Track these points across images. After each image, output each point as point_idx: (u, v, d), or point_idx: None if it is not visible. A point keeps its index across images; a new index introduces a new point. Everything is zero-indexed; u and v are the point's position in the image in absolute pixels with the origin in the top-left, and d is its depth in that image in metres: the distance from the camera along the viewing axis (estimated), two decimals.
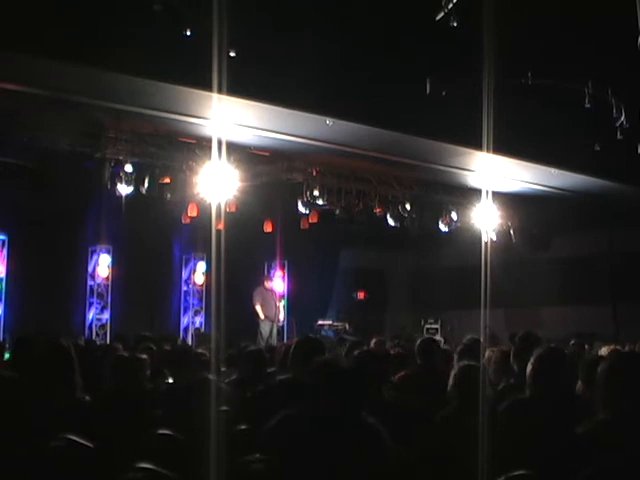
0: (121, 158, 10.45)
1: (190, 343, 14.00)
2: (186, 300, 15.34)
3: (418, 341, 5.87)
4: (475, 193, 13.28)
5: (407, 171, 12.22)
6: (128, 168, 10.51)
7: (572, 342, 8.10)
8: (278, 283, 15.98)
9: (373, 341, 7.60)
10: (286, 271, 16.50)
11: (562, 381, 3.82)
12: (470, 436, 3.43)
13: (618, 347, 6.45)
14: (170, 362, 5.85)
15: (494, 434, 3.43)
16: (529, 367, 3.85)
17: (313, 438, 3.27)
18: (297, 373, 4.49)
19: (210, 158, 10.40)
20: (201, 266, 15.36)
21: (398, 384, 5.29)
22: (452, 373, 4.25)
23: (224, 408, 3.83)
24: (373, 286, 18.12)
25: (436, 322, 15.99)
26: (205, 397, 3.89)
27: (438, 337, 14.81)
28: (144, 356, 5.03)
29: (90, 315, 13.77)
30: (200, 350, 6.89)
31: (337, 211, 12.93)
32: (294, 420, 3.39)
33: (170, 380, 5.71)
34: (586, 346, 8.32)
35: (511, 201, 13.80)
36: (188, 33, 7.27)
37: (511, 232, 14.66)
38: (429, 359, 5.57)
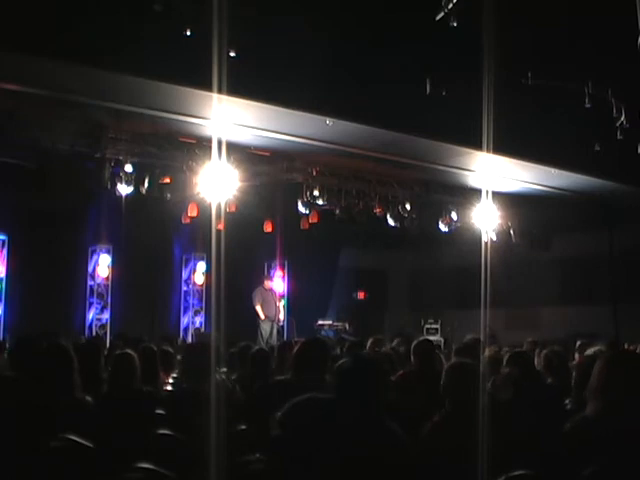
0: (121, 158, 10.44)
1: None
2: (186, 300, 15.34)
3: (414, 342, 5.88)
4: (475, 193, 13.28)
5: (407, 171, 12.22)
6: (128, 168, 10.51)
7: (579, 343, 8.01)
8: (278, 283, 15.98)
9: (370, 340, 7.59)
10: (286, 271, 16.50)
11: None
12: (465, 433, 3.44)
13: (600, 347, 6.41)
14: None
15: (487, 433, 3.44)
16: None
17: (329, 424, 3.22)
18: (301, 374, 4.49)
19: (210, 158, 10.40)
20: (201, 266, 15.37)
21: (394, 384, 5.30)
22: (443, 370, 4.27)
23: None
24: (373, 286, 18.13)
25: (436, 322, 15.99)
26: (206, 397, 3.89)
27: (438, 337, 14.83)
28: (132, 352, 5.01)
29: (90, 315, 13.77)
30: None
31: (337, 211, 12.93)
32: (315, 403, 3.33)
33: (170, 380, 5.71)
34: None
35: (511, 201, 13.80)
36: (188, 33, 7.27)
37: (511, 232, 14.66)
38: (425, 359, 5.57)
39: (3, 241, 12.72)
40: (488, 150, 8.05)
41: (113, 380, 4.86)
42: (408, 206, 13.09)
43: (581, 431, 3.18)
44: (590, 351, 6.24)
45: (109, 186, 10.55)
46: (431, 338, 8.16)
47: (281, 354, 6.46)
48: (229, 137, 9.88)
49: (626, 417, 3.11)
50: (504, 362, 5.15)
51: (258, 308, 13.93)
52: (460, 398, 3.94)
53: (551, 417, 3.48)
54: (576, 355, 7.60)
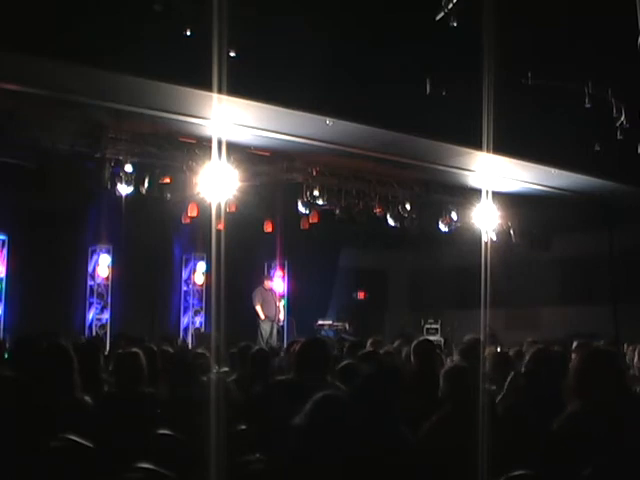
0: (121, 158, 10.44)
1: (190, 343, 14.03)
2: (186, 300, 15.34)
3: (414, 342, 5.88)
4: (475, 193, 13.28)
5: (407, 171, 12.22)
6: (128, 168, 10.51)
7: (575, 344, 7.98)
8: (278, 283, 15.98)
9: (369, 341, 7.58)
10: (286, 271, 16.50)
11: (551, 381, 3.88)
12: (464, 433, 3.45)
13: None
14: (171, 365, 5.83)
15: (488, 433, 3.45)
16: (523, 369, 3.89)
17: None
18: (302, 374, 4.48)
19: (210, 158, 10.40)
20: (201, 266, 15.36)
21: None
22: (441, 374, 4.27)
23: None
24: (373, 286, 18.13)
25: (436, 322, 15.99)
26: (206, 397, 3.89)
27: (438, 337, 14.83)
28: (138, 350, 5.01)
29: (90, 315, 13.76)
30: (200, 350, 6.89)
31: (337, 211, 12.93)
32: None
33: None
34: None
35: (511, 201, 13.80)
36: (188, 33, 7.27)
37: (511, 232, 14.66)
38: (425, 359, 5.57)
39: (3, 241, 12.72)
40: (488, 150, 8.04)
41: (117, 379, 4.85)
42: (408, 206, 13.09)
43: (564, 430, 3.21)
44: None
45: (109, 186, 10.55)
46: (431, 338, 8.16)
47: (288, 353, 6.46)
48: (229, 137, 9.87)
49: (602, 415, 3.14)
50: (527, 359, 5.12)
51: (258, 308, 13.94)
52: (459, 400, 3.94)
53: (553, 417, 3.50)
54: (573, 355, 7.58)
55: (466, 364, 4.44)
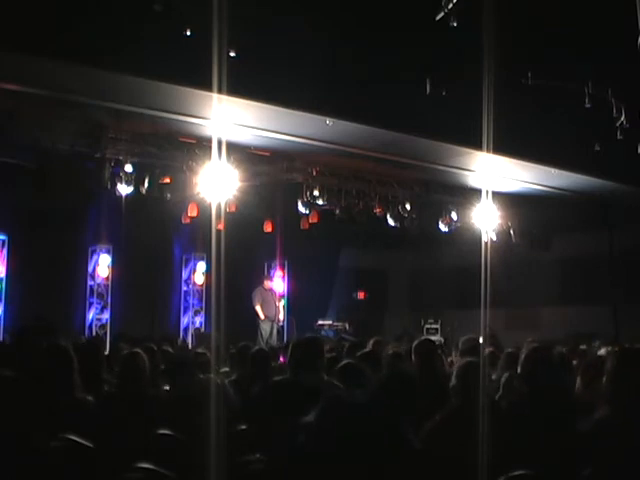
0: (121, 158, 10.45)
1: (190, 343, 14.04)
2: (186, 300, 15.34)
3: (415, 342, 5.88)
4: (475, 193, 13.28)
5: (407, 171, 12.23)
6: (128, 168, 10.51)
7: (563, 349, 7.86)
8: (278, 283, 15.98)
9: (371, 342, 7.56)
10: (286, 271, 16.50)
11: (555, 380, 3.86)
12: (472, 431, 3.44)
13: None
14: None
15: (496, 430, 3.44)
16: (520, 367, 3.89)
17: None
18: (297, 374, 4.48)
19: (210, 158, 10.40)
20: (201, 266, 15.37)
21: None
22: (454, 369, 4.26)
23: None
24: (373, 286, 18.13)
25: (436, 322, 15.99)
26: (206, 397, 3.89)
27: (438, 337, 14.83)
28: (138, 351, 5.02)
29: (90, 315, 13.76)
30: (200, 350, 6.90)
31: (337, 211, 12.94)
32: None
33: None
34: (582, 347, 8.16)
35: (511, 201, 13.80)
36: (188, 33, 7.28)
37: (511, 232, 14.67)
38: (427, 359, 5.57)
39: (3, 241, 12.71)
40: (488, 150, 8.04)
41: (117, 379, 4.85)
42: (408, 206, 13.09)
43: (593, 433, 3.16)
44: (602, 351, 6.23)
45: (109, 186, 10.55)
46: (431, 338, 8.16)
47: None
48: (229, 137, 9.88)
49: (636, 420, 3.09)
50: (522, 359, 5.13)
51: (258, 308, 13.94)
52: (470, 396, 3.93)
53: (558, 417, 3.48)
54: None
55: (477, 360, 4.43)
